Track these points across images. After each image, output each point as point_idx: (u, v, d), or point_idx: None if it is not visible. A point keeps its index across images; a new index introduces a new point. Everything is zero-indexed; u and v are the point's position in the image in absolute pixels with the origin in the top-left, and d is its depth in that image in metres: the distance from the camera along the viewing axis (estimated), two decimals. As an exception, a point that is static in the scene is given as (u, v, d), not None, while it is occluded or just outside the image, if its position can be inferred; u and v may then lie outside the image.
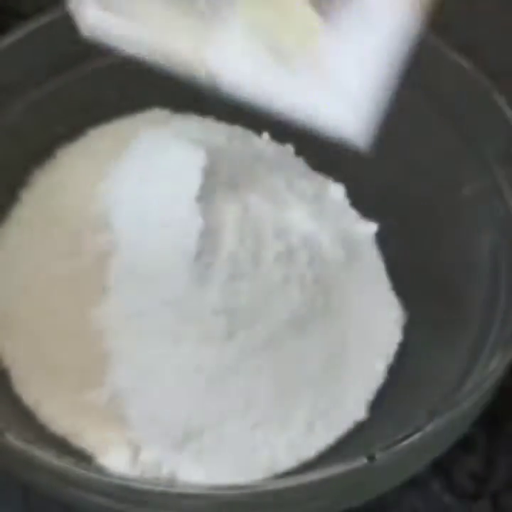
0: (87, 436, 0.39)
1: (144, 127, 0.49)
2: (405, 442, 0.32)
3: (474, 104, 0.43)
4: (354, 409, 0.42)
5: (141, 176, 0.44)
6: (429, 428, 0.33)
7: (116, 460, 0.39)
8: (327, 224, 0.46)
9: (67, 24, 0.46)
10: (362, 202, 0.49)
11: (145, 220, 0.42)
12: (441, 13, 0.56)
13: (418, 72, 0.46)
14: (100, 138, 0.49)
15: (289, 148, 0.51)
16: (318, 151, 0.50)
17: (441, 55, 0.44)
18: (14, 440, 0.32)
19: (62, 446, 0.39)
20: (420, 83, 0.46)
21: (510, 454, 0.43)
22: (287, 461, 0.40)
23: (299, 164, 0.50)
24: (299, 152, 0.51)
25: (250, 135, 0.51)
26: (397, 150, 0.48)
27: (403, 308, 0.45)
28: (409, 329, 0.45)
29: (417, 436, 0.33)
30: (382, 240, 0.48)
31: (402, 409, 0.41)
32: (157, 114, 0.51)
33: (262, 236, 0.42)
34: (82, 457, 0.39)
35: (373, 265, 0.47)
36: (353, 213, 0.49)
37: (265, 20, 0.34)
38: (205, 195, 0.42)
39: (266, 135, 0.51)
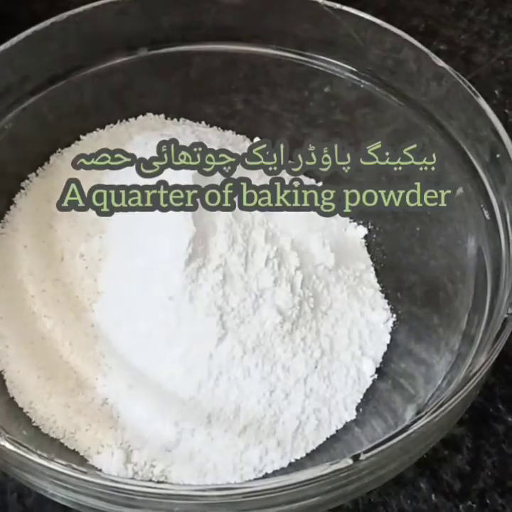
0: (80, 439, 0.40)
1: (138, 132, 0.50)
2: (390, 442, 0.33)
3: (460, 109, 0.44)
4: (343, 409, 0.42)
5: (133, 181, 0.44)
6: (415, 428, 0.33)
7: (108, 462, 0.39)
8: (317, 228, 0.46)
9: (63, 31, 0.47)
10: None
11: (137, 225, 0.43)
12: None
13: (406, 78, 0.47)
14: (95, 143, 0.50)
15: (280, 152, 0.51)
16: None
17: (428, 60, 0.45)
18: (8, 442, 0.32)
19: (56, 448, 0.40)
20: (408, 89, 0.47)
21: (496, 452, 0.43)
22: (277, 461, 0.40)
23: (290, 168, 0.51)
24: (290, 156, 0.51)
25: (242, 140, 0.52)
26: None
27: (391, 310, 0.46)
28: (397, 330, 0.45)
29: (403, 435, 0.33)
30: (370, 243, 0.49)
31: (390, 409, 0.42)
32: (151, 119, 0.52)
33: (252, 240, 0.43)
34: (76, 459, 0.39)
35: (362, 268, 0.47)
36: (342, 217, 0.49)
37: None
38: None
39: (257, 140, 0.52)
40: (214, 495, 0.31)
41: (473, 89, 0.42)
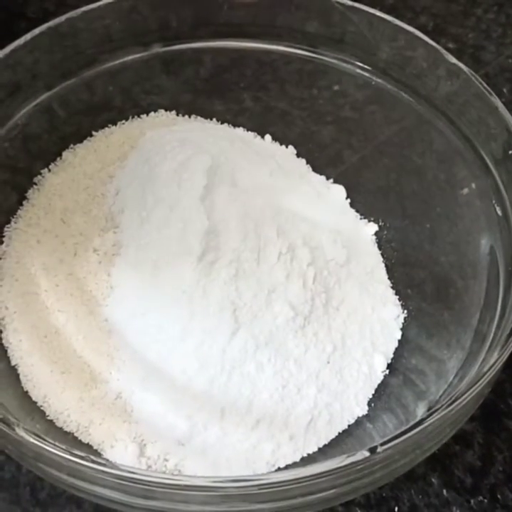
0: (94, 432, 0.40)
1: (150, 129, 0.50)
2: (405, 436, 0.33)
3: (472, 105, 0.44)
4: (354, 404, 0.42)
5: (146, 177, 0.45)
6: (430, 421, 0.33)
7: (122, 455, 0.39)
8: (328, 224, 0.47)
9: (76, 28, 0.47)
10: (362, 202, 0.50)
11: (150, 220, 0.43)
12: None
13: (417, 75, 0.47)
14: (107, 139, 0.50)
15: (291, 149, 0.51)
16: (319, 152, 0.51)
17: (439, 57, 0.45)
18: (24, 434, 0.32)
19: (70, 441, 0.40)
20: (419, 85, 0.47)
21: (507, 448, 0.43)
22: (290, 455, 0.40)
23: (301, 165, 0.51)
24: (300, 154, 0.52)
25: (253, 137, 0.52)
26: (397, 152, 0.49)
27: (402, 306, 0.46)
28: (408, 326, 0.45)
29: (419, 429, 0.33)
30: (381, 239, 0.49)
31: (402, 404, 0.42)
32: (162, 116, 0.52)
33: (264, 235, 0.43)
34: (90, 452, 0.39)
35: (373, 264, 0.47)
36: (353, 213, 0.49)
37: None
38: (209, 196, 0.43)
39: (268, 137, 0.52)
40: (231, 486, 0.31)
41: (486, 86, 0.43)
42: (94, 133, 0.50)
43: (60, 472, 0.32)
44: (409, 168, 0.48)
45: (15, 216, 0.47)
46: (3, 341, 0.43)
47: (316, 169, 0.51)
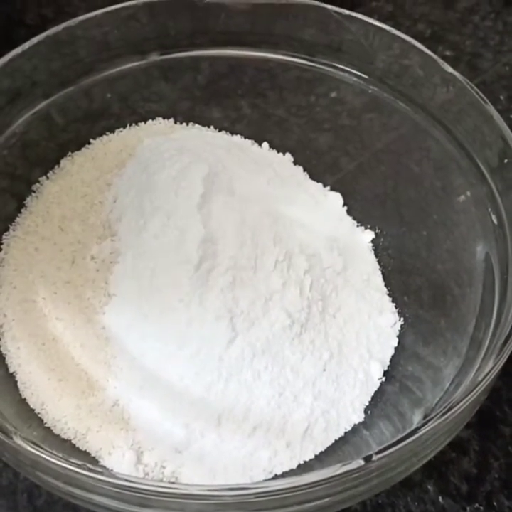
0: (92, 440, 0.40)
1: (148, 137, 0.50)
2: (401, 444, 0.33)
3: (468, 114, 0.44)
4: (351, 412, 0.42)
5: (144, 185, 0.45)
6: (426, 430, 0.33)
7: (119, 462, 0.39)
8: (325, 231, 0.47)
9: (74, 36, 0.47)
10: (359, 210, 0.50)
11: (148, 228, 0.43)
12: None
13: (413, 84, 0.47)
14: (105, 147, 0.50)
15: (288, 157, 0.52)
16: (317, 160, 0.51)
17: (435, 66, 0.45)
18: (22, 443, 0.32)
19: (68, 449, 0.40)
20: (415, 94, 0.47)
21: (503, 455, 0.44)
22: (286, 462, 0.41)
23: (298, 173, 0.51)
24: (297, 161, 0.52)
25: (250, 144, 0.52)
26: (393, 160, 0.49)
27: (399, 314, 0.46)
28: (405, 334, 0.46)
29: (414, 437, 0.33)
30: (378, 246, 0.49)
31: (398, 412, 0.42)
32: (160, 123, 0.52)
33: (261, 243, 0.43)
34: (87, 460, 0.39)
35: (369, 271, 0.47)
36: (349, 221, 0.50)
37: None
38: (206, 204, 0.43)
39: (265, 144, 0.52)
40: (227, 495, 0.31)
41: (482, 95, 0.43)
42: (92, 141, 0.50)
43: (57, 480, 0.32)
44: (405, 175, 0.48)
45: (13, 224, 0.47)
46: (2, 349, 0.43)
47: (313, 177, 0.51)
